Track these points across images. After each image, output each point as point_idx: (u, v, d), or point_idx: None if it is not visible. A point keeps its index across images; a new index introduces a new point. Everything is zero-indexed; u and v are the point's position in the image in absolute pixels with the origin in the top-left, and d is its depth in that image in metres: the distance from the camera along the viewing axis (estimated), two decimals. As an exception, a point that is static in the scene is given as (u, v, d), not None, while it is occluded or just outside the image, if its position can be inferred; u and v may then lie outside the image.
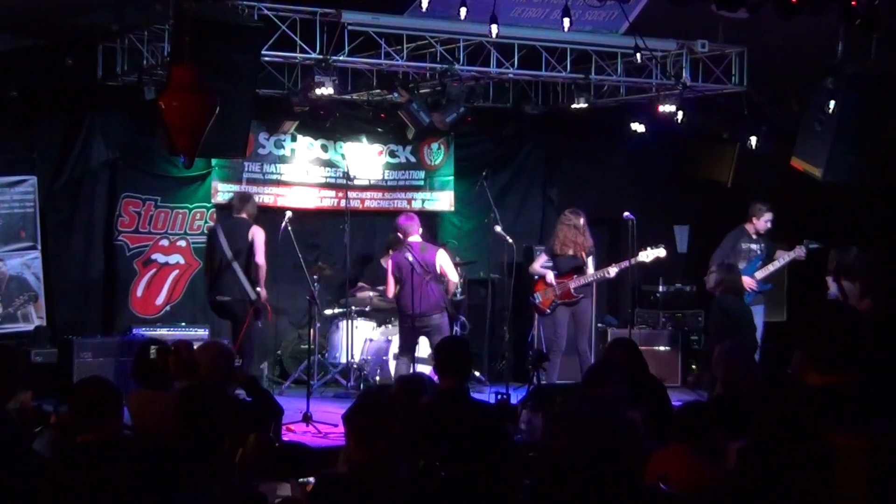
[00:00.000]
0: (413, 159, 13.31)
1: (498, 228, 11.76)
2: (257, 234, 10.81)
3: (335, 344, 11.99)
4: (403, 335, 10.81)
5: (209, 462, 5.80)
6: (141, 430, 6.38)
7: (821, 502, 3.52)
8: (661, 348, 12.64)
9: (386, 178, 13.19)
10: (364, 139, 12.97)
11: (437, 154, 13.39)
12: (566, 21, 9.21)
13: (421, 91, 11.49)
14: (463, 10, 9.10)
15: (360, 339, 11.84)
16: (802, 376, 3.91)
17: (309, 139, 12.76)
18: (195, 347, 6.84)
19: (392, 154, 13.22)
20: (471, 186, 13.26)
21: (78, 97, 11.43)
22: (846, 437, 3.44)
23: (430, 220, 13.38)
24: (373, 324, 11.99)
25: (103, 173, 11.84)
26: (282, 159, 12.67)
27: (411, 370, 10.80)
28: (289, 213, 11.31)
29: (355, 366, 11.74)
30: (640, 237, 11.36)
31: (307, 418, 9.68)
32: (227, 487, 5.56)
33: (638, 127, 12.44)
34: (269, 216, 12.25)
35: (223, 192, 12.32)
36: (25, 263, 11.23)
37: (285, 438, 8.58)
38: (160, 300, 12.12)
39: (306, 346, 11.63)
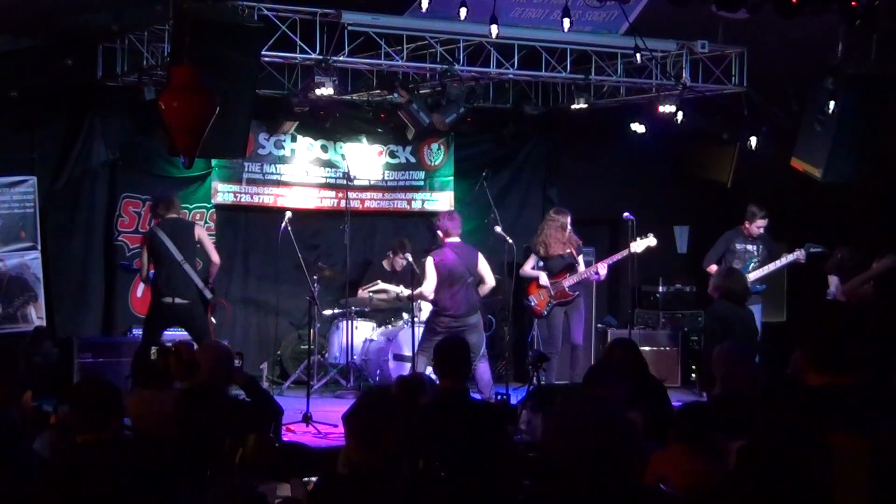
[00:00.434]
0: (413, 160, 13.31)
1: (498, 229, 11.75)
2: (204, 234, 10.73)
3: (335, 344, 11.99)
4: (431, 333, 10.56)
5: (209, 462, 5.80)
6: (141, 431, 6.38)
7: (821, 502, 3.51)
8: (661, 348, 12.63)
9: (386, 178, 13.19)
10: (364, 139, 12.97)
11: (437, 154, 13.39)
12: (566, 21, 9.21)
13: (421, 91, 11.50)
14: (463, 11, 9.10)
15: (360, 339, 11.83)
16: (802, 376, 3.91)
17: (309, 139, 12.75)
18: (195, 348, 6.86)
19: (392, 154, 13.22)
20: (471, 187, 13.27)
21: (78, 97, 11.43)
22: (846, 437, 3.44)
23: (430, 221, 13.39)
24: (372, 324, 11.99)
25: (103, 173, 11.84)
26: (282, 160, 12.66)
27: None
28: (289, 214, 11.31)
29: (355, 366, 11.74)
30: (639, 237, 11.36)
31: (307, 418, 9.68)
32: (227, 487, 5.55)
33: (638, 127, 12.43)
34: (269, 216, 12.28)
35: (223, 192, 12.32)
36: (25, 263, 11.23)
37: (285, 439, 8.57)
38: (160, 300, 12.10)
39: (306, 347, 11.64)
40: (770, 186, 12.38)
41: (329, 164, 12.88)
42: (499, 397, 9.83)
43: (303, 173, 12.75)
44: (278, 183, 12.62)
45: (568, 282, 11.30)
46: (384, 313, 12.11)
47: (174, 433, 6.14)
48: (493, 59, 10.98)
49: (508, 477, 5.54)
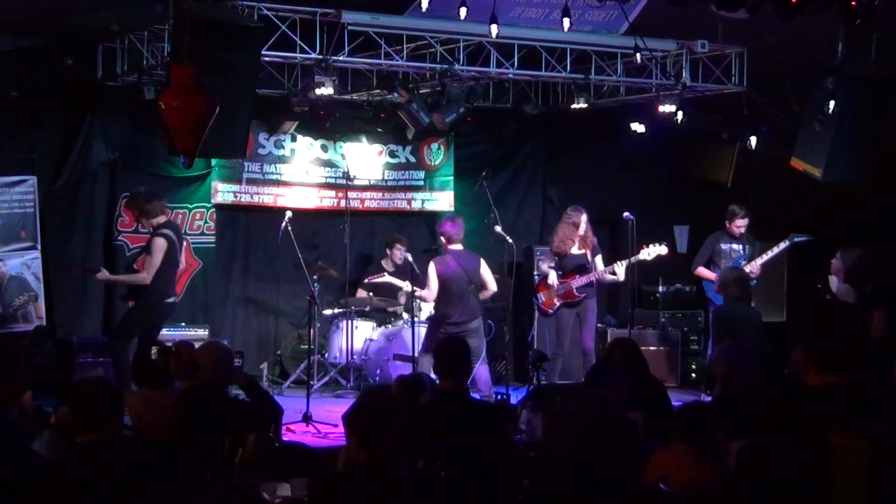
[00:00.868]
0: (413, 159, 13.31)
1: (498, 228, 11.75)
2: None
3: (335, 344, 11.98)
4: (432, 337, 10.64)
5: (209, 462, 5.81)
6: (141, 430, 6.38)
7: (821, 502, 3.52)
8: (661, 348, 12.63)
9: (386, 178, 13.19)
10: (364, 139, 12.97)
11: (437, 154, 13.39)
12: (566, 21, 9.20)
13: (421, 91, 11.49)
14: (463, 11, 9.09)
15: (360, 339, 11.83)
16: (802, 376, 3.91)
17: (309, 139, 12.76)
18: (196, 348, 6.85)
19: (392, 154, 13.22)
20: (470, 186, 13.27)
21: (78, 97, 11.44)
22: (846, 437, 3.44)
23: (430, 221, 13.38)
24: (372, 324, 11.98)
25: (103, 173, 11.84)
26: (282, 159, 12.67)
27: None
28: (289, 213, 11.32)
29: (355, 366, 11.74)
30: (640, 237, 11.35)
31: (307, 418, 9.68)
32: (227, 487, 5.55)
33: (638, 127, 12.43)
34: (269, 216, 12.28)
35: (223, 192, 12.33)
36: (25, 263, 11.23)
37: (285, 438, 8.57)
38: (160, 300, 12.10)
39: (306, 347, 11.64)
40: (770, 186, 12.38)
41: (329, 164, 12.88)
42: (499, 397, 9.82)
43: (303, 173, 12.75)
44: (278, 183, 12.63)
45: (577, 282, 11.22)
46: (384, 314, 12.11)
47: (174, 433, 6.14)
48: (493, 59, 10.98)
49: (508, 477, 5.53)
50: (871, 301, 10.00)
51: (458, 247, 10.70)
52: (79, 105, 11.54)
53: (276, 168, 12.62)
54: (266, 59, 10.16)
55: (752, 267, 11.39)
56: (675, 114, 11.60)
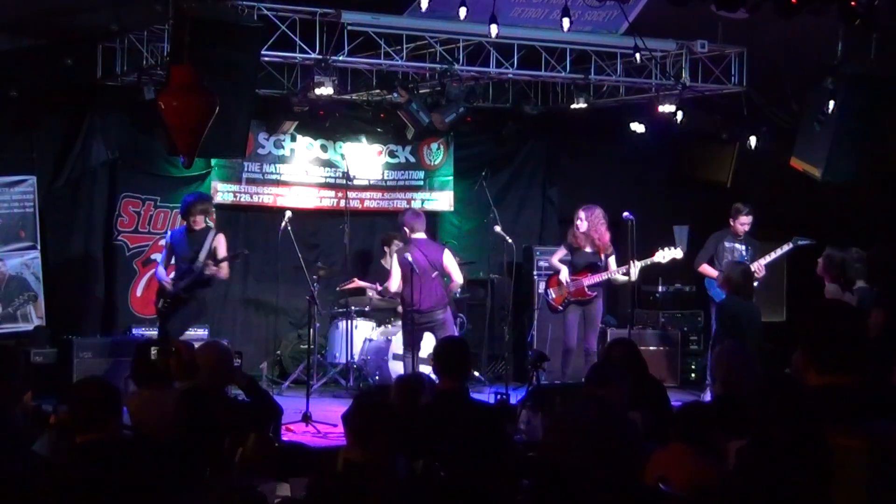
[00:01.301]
0: (412, 159, 13.32)
1: (497, 228, 11.75)
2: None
3: (335, 344, 11.98)
4: (406, 333, 10.80)
5: (209, 462, 5.80)
6: (141, 430, 6.38)
7: (821, 502, 3.51)
8: (661, 348, 12.63)
9: (385, 178, 13.19)
10: (364, 139, 12.97)
11: (437, 154, 13.39)
12: (566, 21, 9.21)
13: (420, 91, 11.50)
14: (462, 11, 9.10)
15: (360, 339, 11.83)
16: (802, 376, 3.91)
17: (308, 139, 12.76)
18: (196, 348, 6.85)
19: (391, 154, 13.22)
20: (470, 186, 13.28)
21: (78, 97, 11.43)
22: (846, 437, 3.44)
23: (430, 220, 13.36)
24: (372, 324, 11.98)
25: (103, 173, 11.85)
26: (281, 159, 12.67)
27: (413, 368, 10.81)
28: (288, 213, 11.31)
29: (355, 366, 11.74)
30: (639, 237, 11.34)
31: (307, 418, 9.68)
32: (227, 487, 5.55)
33: (638, 127, 12.44)
34: (268, 216, 12.28)
35: (223, 191, 12.33)
36: (25, 263, 11.24)
37: (285, 438, 8.57)
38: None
39: (306, 346, 11.63)
40: (770, 186, 12.38)
41: (329, 164, 12.88)
42: (499, 397, 9.82)
43: (302, 173, 12.75)
44: (278, 182, 12.63)
45: (589, 280, 11.15)
46: (384, 313, 12.11)
47: (174, 433, 6.13)
48: (492, 59, 10.99)
49: (508, 477, 5.53)
50: (870, 301, 10.00)
51: (420, 236, 10.72)
52: (79, 105, 11.54)
53: (275, 168, 12.63)
54: (266, 59, 10.17)
55: (757, 267, 11.39)
56: (675, 114, 11.60)
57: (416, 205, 13.20)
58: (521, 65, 11.13)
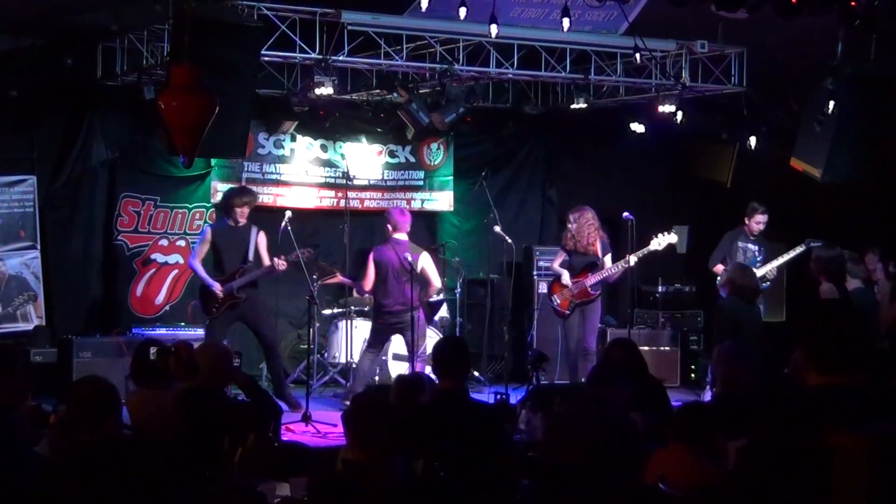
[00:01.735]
0: (412, 159, 13.32)
1: (497, 228, 11.76)
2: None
3: (334, 344, 11.99)
4: (374, 331, 10.91)
5: (209, 462, 5.80)
6: (140, 430, 6.38)
7: (820, 502, 3.51)
8: (661, 348, 12.63)
9: (385, 178, 13.19)
10: (363, 139, 12.98)
11: (437, 154, 13.39)
12: (565, 21, 9.20)
13: (420, 91, 11.49)
14: (462, 11, 9.09)
15: (360, 339, 11.82)
16: (802, 376, 3.91)
17: (308, 139, 12.76)
18: (195, 348, 6.85)
19: (391, 154, 13.22)
20: (470, 186, 13.28)
21: (78, 97, 11.44)
22: (846, 437, 3.44)
23: (430, 220, 13.40)
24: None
25: (103, 173, 11.85)
26: (281, 159, 12.67)
27: (376, 367, 10.87)
28: (288, 213, 11.30)
29: (354, 366, 11.73)
30: (639, 237, 11.35)
31: (306, 418, 9.68)
32: (227, 487, 5.55)
33: (637, 127, 12.43)
34: (268, 216, 12.25)
35: (223, 191, 12.30)
36: (25, 263, 11.24)
37: (285, 438, 8.58)
38: (159, 300, 12.12)
39: (305, 346, 11.64)
40: (770, 186, 12.38)
41: (329, 164, 12.88)
42: (498, 397, 9.83)
43: (302, 173, 12.75)
44: (278, 182, 12.63)
45: (590, 280, 11.11)
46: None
47: (174, 433, 6.13)
48: (492, 59, 10.98)
49: (507, 477, 5.53)
50: (866, 301, 10.02)
51: (401, 236, 10.74)
52: (79, 105, 11.54)
53: (275, 168, 12.63)
54: (266, 58, 10.16)
55: (769, 270, 11.39)
56: (675, 114, 11.59)
57: (415, 205, 13.21)
58: (521, 65, 11.13)
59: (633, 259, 10.98)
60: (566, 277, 11.17)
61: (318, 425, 9.58)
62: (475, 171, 13.20)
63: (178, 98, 7.45)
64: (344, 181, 12.69)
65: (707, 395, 10.79)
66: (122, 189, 11.92)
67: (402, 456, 4.93)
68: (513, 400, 9.48)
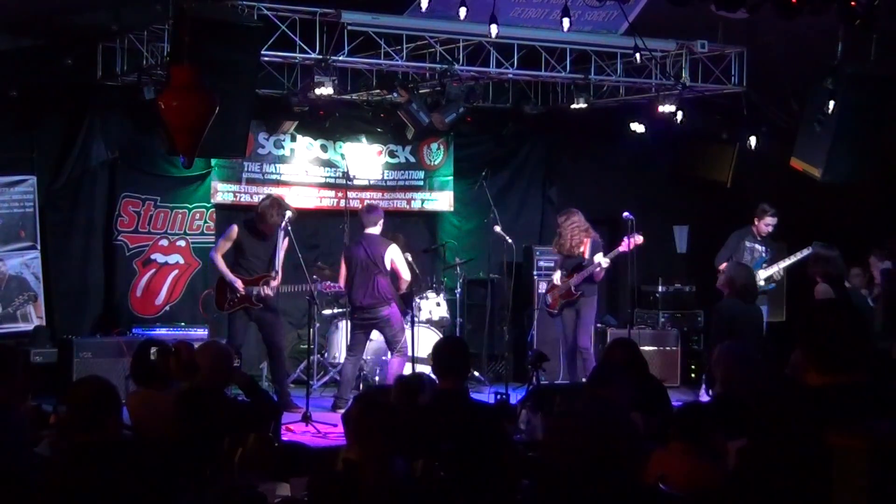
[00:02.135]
0: (413, 159, 13.32)
1: (497, 228, 11.76)
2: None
3: (334, 344, 11.98)
4: (350, 332, 11.00)
5: (209, 462, 5.80)
6: (141, 431, 6.38)
7: (820, 502, 3.51)
8: (661, 348, 12.63)
9: (385, 178, 13.19)
10: (363, 139, 12.98)
11: (437, 154, 13.39)
12: (566, 21, 9.21)
13: (420, 91, 11.50)
14: (462, 11, 9.10)
15: (360, 339, 11.82)
16: (802, 376, 3.91)
17: (308, 139, 12.76)
18: (195, 348, 6.85)
19: (391, 154, 13.22)
20: (470, 186, 13.28)
21: (78, 97, 11.43)
22: (846, 437, 3.44)
23: (430, 220, 13.40)
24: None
25: (103, 173, 11.85)
26: (281, 159, 12.67)
27: (357, 370, 10.89)
28: (289, 213, 11.30)
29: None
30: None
31: (307, 418, 9.68)
32: (227, 487, 5.55)
33: (638, 127, 12.44)
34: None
35: (223, 191, 12.33)
36: (25, 263, 11.24)
37: (285, 438, 8.57)
38: (160, 300, 12.12)
39: (306, 346, 11.64)
40: (770, 186, 12.38)
41: (329, 164, 12.88)
42: (498, 397, 9.83)
43: (302, 173, 12.76)
44: (278, 183, 12.63)
45: (575, 280, 11.18)
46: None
47: (174, 433, 6.13)
48: (492, 59, 10.99)
49: (508, 477, 5.53)
50: (863, 301, 10.04)
51: (370, 231, 10.82)
52: (79, 105, 11.54)
53: (275, 168, 12.63)
54: (266, 59, 10.17)
55: (776, 271, 11.39)
56: (675, 114, 11.60)
57: (415, 205, 13.22)
58: (521, 65, 11.13)
59: (604, 261, 11.00)
60: (556, 277, 11.30)
61: (318, 425, 9.58)
62: (475, 171, 13.20)
63: (179, 98, 7.45)
64: (344, 181, 12.69)
65: (703, 396, 10.80)
66: (122, 189, 11.92)
67: (402, 456, 4.93)
68: (513, 400, 9.48)
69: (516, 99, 12.90)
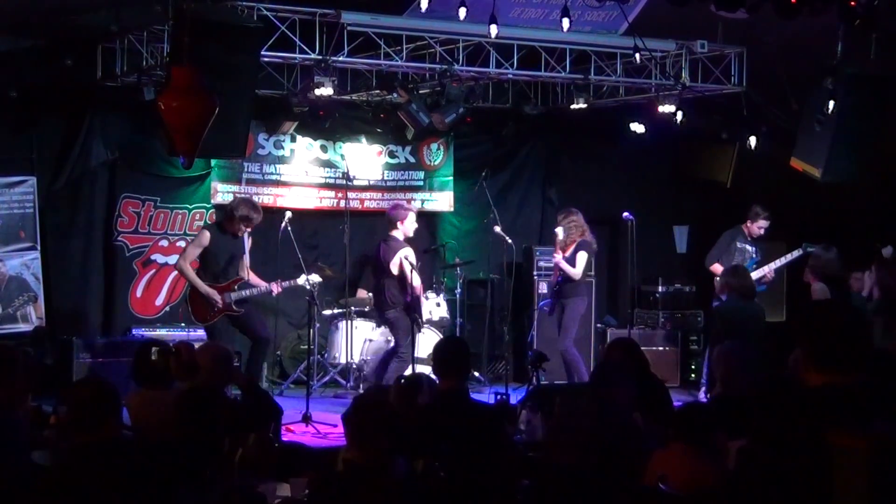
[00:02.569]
0: (412, 160, 13.32)
1: (497, 229, 11.76)
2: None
3: (334, 344, 11.99)
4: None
5: (209, 462, 5.81)
6: (141, 431, 6.38)
7: (821, 502, 3.52)
8: (661, 348, 12.64)
9: (385, 178, 13.19)
10: (363, 139, 12.97)
11: (437, 154, 13.39)
12: (565, 21, 9.20)
13: (420, 91, 11.49)
14: (462, 11, 9.09)
15: (360, 339, 11.84)
16: (802, 376, 3.91)
17: (308, 140, 12.76)
18: (195, 348, 6.85)
19: (391, 154, 13.22)
20: (470, 187, 13.28)
21: (78, 97, 11.43)
22: (846, 437, 3.44)
23: (430, 221, 13.39)
24: (372, 324, 11.98)
25: (103, 173, 11.85)
26: (281, 160, 12.67)
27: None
28: (288, 214, 11.29)
29: (354, 366, 11.75)
30: (639, 237, 11.36)
31: (307, 418, 9.68)
32: (227, 488, 5.56)
33: (637, 127, 12.43)
34: (268, 217, 12.25)
35: (222, 192, 12.32)
36: (25, 264, 11.24)
37: (285, 439, 8.57)
38: (160, 301, 12.12)
39: (306, 347, 11.64)
40: (770, 186, 12.38)
41: (328, 164, 12.88)
42: (498, 397, 9.83)
43: (302, 173, 12.75)
44: (278, 183, 12.63)
45: (554, 279, 11.30)
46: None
47: (174, 433, 6.14)
48: (492, 59, 10.98)
49: (508, 477, 5.54)
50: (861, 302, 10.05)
51: (394, 233, 10.89)
52: (79, 105, 11.53)
53: (275, 168, 12.63)
54: (266, 59, 10.17)
55: (768, 272, 11.39)
56: (675, 114, 11.60)
57: (415, 205, 13.19)
58: (520, 65, 11.13)
59: (562, 263, 11.02)
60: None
61: (318, 425, 9.58)
62: (475, 171, 13.20)
63: (178, 99, 7.45)
64: (344, 182, 12.69)
65: (702, 396, 10.81)
66: (122, 190, 11.92)
67: (402, 456, 4.93)
68: (513, 400, 9.48)
69: (516, 99, 12.89)
